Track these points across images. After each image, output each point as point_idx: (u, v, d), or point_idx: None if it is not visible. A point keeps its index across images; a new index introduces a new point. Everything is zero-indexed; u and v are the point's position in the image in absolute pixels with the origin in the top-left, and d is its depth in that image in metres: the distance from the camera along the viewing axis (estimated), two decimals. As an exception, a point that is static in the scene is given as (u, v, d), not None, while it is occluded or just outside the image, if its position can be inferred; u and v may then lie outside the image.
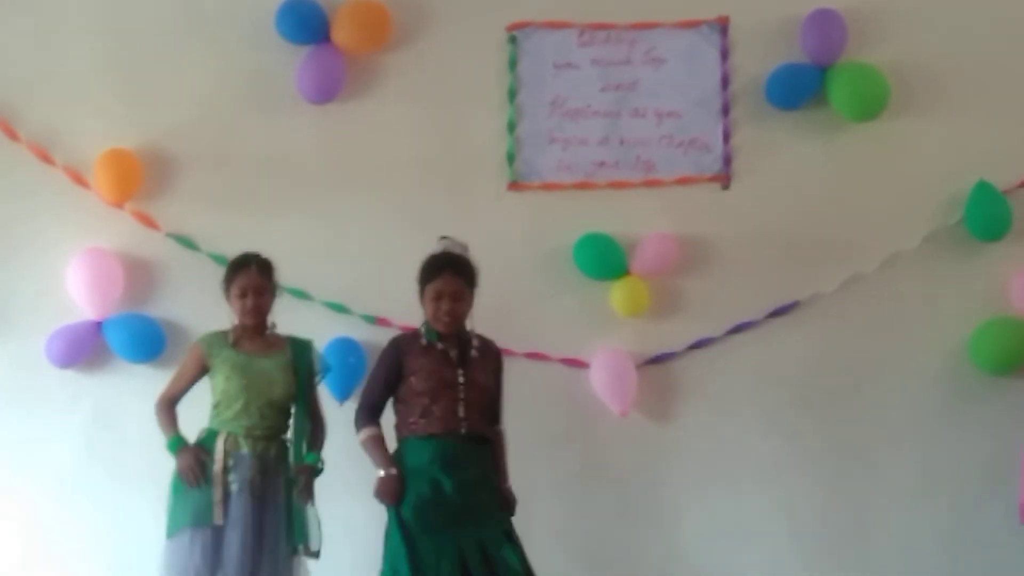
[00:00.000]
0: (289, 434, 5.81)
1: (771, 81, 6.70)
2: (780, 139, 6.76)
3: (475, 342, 5.67)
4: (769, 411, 6.70)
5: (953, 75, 6.77)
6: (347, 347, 6.62)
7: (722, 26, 6.79)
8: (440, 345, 5.60)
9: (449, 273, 5.59)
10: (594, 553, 6.67)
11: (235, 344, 5.79)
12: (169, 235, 6.71)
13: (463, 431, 5.54)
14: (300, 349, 5.88)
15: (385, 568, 5.52)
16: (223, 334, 5.83)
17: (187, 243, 6.67)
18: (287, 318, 6.41)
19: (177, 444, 5.65)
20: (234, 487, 5.60)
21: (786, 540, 6.68)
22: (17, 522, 6.68)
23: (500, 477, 5.71)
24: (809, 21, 6.69)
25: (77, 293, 6.63)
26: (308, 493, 5.73)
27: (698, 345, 6.72)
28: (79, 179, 6.71)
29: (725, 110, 6.78)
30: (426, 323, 5.66)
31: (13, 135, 6.73)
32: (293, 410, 5.81)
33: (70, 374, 6.65)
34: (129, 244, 6.71)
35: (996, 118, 6.75)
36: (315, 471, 5.78)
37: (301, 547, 5.70)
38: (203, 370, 5.79)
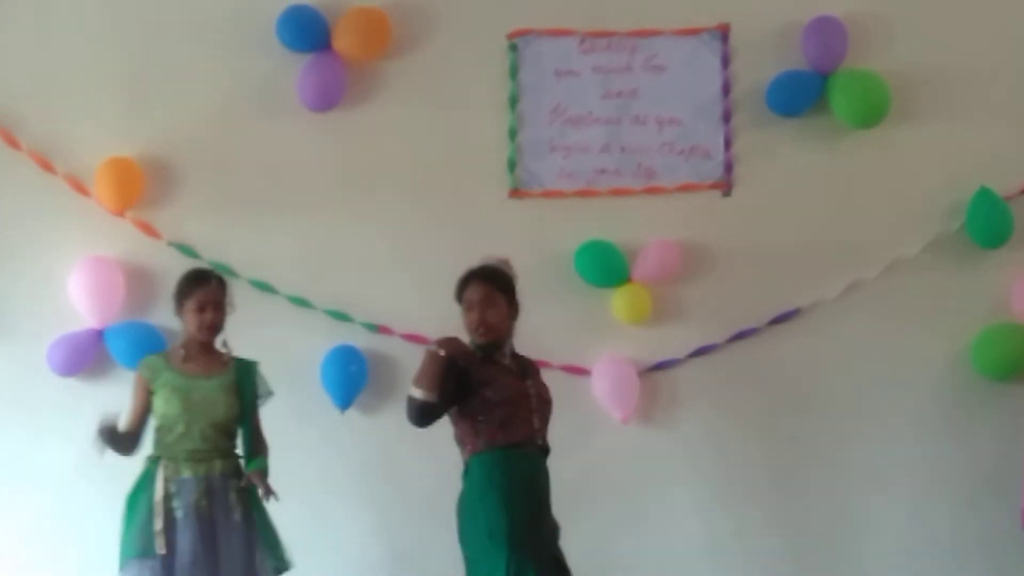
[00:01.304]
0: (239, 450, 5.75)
1: (772, 88, 6.70)
2: (781, 146, 6.76)
3: (521, 357, 5.60)
4: (771, 418, 6.70)
5: (954, 82, 6.77)
6: (348, 355, 6.61)
7: (723, 33, 6.79)
8: (498, 358, 5.46)
9: (477, 281, 5.47)
10: (595, 560, 6.64)
11: (179, 364, 5.70)
12: (170, 243, 6.71)
13: (540, 442, 5.45)
14: (245, 370, 5.77)
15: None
16: (163, 356, 5.77)
17: (188, 251, 6.67)
18: (288, 326, 6.43)
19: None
20: (179, 514, 5.53)
21: (788, 547, 6.69)
22: (17, 530, 6.67)
23: None
24: (810, 28, 6.69)
25: (78, 301, 6.62)
26: (269, 490, 5.62)
27: (700, 352, 6.72)
28: (80, 188, 6.70)
29: (726, 117, 6.78)
30: (471, 342, 5.49)
31: (14, 144, 6.72)
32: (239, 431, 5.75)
33: (72, 382, 6.64)
34: (130, 252, 6.70)
35: (997, 125, 6.75)
36: (265, 472, 5.67)
37: (272, 563, 5.64)
38: (149, 396, 5.69)
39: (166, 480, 5.56)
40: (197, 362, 5.71)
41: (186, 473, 5.57)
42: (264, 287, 6.63)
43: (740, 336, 6.71)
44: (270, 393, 5.83)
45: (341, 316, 6.68)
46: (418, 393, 5.24)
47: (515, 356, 5.58)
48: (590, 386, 6.66)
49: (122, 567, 5.56)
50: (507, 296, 5.50)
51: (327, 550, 6.49)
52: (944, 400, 6.70)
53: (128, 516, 5.60)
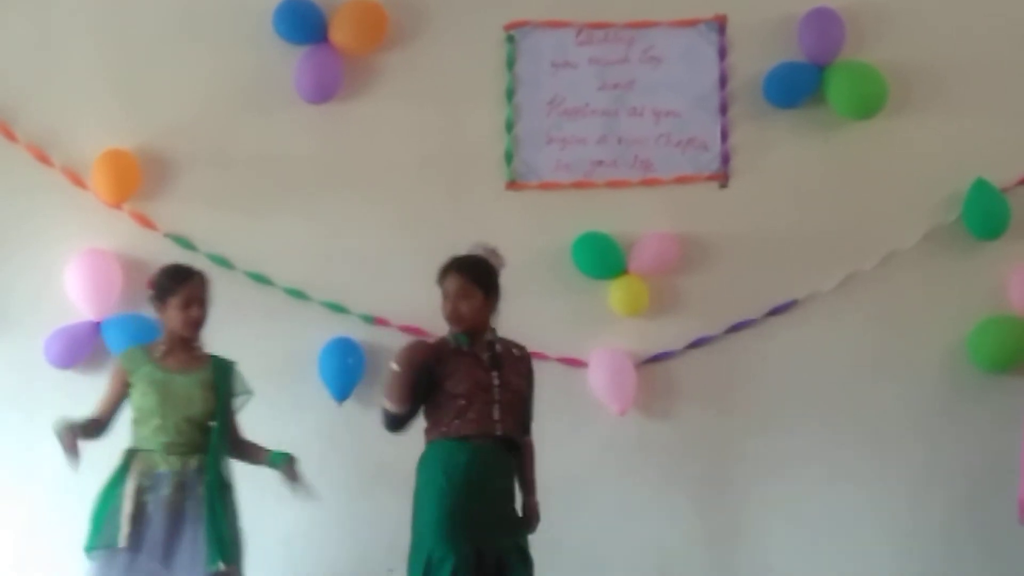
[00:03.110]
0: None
1: (769, 80, 6.70)
2: (778, 138, 6.76)
3: (499, 347, 5.59)
4: (768, 410, 6.70)
5: (951, 73, 6.77)
6: (345, 347, 6.62)
7: (720, 25, 6.79)
8: (467, 348, 5.52)
9: (453, 272, 5.54)
10: (593, 552, 6.67)
11: (160, 358, 5.70)
12: (167, 235, 6.71)
13: (498, 433, 5.47)
14: (222, 368, 5.76)
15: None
16: (144, 349, 5.75)
17: (185, 244, 6.67)
18: (285, 318, 6.42)
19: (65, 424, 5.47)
20: (150, 507, 5.53)
21: (785, 538, 6.69)
22: (15, 522, 6.69)
23: (527, 488, 5.67)
24: (807, 20, 6.69)
25: (76, 294, 6.63)
26: (301, 480, 5.69)
27: (697, 344, 6.72)
28: (77, 180, 6.71)
29: (723, 109, 6.78)
30: (450, 329, 5.59)
31: (11, 136, 6.72)
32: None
33: (69, 375, 6.65)
34: (127, 245, 6.71)
35: (994, 116, 6.75)
36: (291, 463, 5.69)
37: (214, 567, 5.54)
38: (126, 387, 5.69)
39: (140, 474, 5.57)
40: (177, 358, 5.70)
41: (161, 467, 5.57)
42: (261, 279, 6.63)
43: (737, 328, 6.72)
44: (249, 392, 5.80)
45: (338, 308, 6.69)
46: (387, 405, 5.45)
47: (495, 345, 5.60)
48: (587, 378, 6.66)
49: (89, 555, 5.58)
50: (484, 288, 5.54)
51: (323, 541, 6.50)
52: (941, 392, 6.69)
53: (100, 506, 5.60)
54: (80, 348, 6.64)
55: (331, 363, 6.57)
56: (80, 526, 6.54)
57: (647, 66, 6.80)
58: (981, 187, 6.62)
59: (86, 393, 6.58)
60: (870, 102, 6.65)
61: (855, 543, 6.66)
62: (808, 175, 6.74)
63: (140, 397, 5.63)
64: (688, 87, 6.80)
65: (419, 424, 5.52)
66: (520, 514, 5.61)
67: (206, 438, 5.66)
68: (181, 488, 5.57)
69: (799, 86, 6.70)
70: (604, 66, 6.80)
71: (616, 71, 6.80)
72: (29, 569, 6.67)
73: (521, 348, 5.71)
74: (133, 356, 5.73)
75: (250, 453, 5.79)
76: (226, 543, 5.55)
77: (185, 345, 5.72)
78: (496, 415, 5.47)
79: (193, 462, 5.61)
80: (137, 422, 5.65)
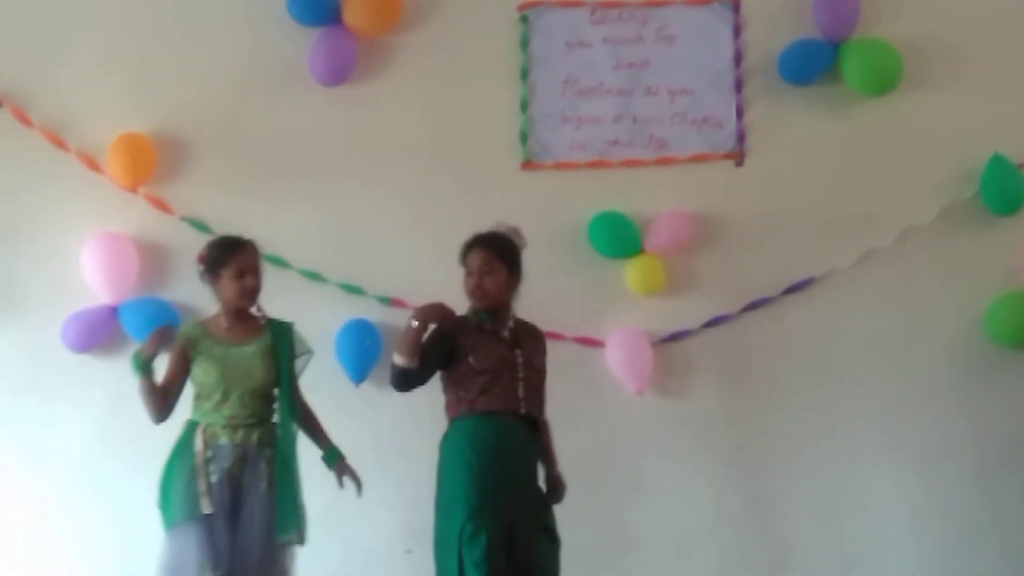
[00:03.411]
0: (276, 418, 5.71)
1: (784, 57, 6.69)
2: (793, 115, 6.75)
3: (511, 323, 5.58)
4: (785, 388, 6.71)
5: (966, 49, 6.75)
6: (362, 329, 6.62)
7: (734, 3, 6.77)
8: (489, 326, 5.52)
9: (478, 247, 5.52)
10: (609, 531, 6.68)
11: (217, 332, 5.67)
12: (183, 219, 6.72)
13: (522, 411, 5.48)
14: (280, 332, 5.73)
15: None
16: (202, 324, 5.72)
17: (201, 227, 6.67)
18: (301, 300, 6.42)
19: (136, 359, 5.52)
20: (213, 478, 5.52)
21: (800, 515, 6.70)
22: (33, 505, 6.71)
23: (551, 461, 5.67)
24: (821, -3, 6.68)
25: (92, 278, 6.64)
26: (354, 476, 5.77)
27: (713, 323, 6.72)
28: (93, 164, 6.71)
29: (738, 87, 6.76)
30: (471, 306, 5.58)
31: (26, 121, 6.73)
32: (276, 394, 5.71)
33: (86, 359, 6.67)
34: (143, 228, 6.72)
35: (1010, 91, 6.74)
36: (343, 459, 5.76)
37: (288, 537, 5.60)
38: (187, 364, 5.65)
39: (204, 445, 5.56)
40: (234, 330, 5.66)
41: (223, 439, 5.56)
42: (277, 261, 6.62)
43: (754, 306, 6.71)
44: (310, 352, 5.79)
45: (354, 290, 6.69)
46: (397, 359, 5.39)
47: (515, 323, 5.60)
48: (604, 357, 6.66)
49: (169, 531, 5.55)
50: (508, 265, 5.53)
51: (341, 523, 6.50)
52: (957, 368, 6.69)
53: (167, 480, 5.59)
54: (97, 332, 6.65)
55: (348, 345, 6.58)
56: (99, 505, 6.62)
57: (661, 45, 6.79)
58: (998, 163, 6.61)
59: (103, 377, 6.64)
60: (885, 78, 6.63)
61: (872, 519, 6.66)
62: (824, 152, 6.73)
63: (202, 373, 5.60)
64: (703, 65, 6.79)
65: (438, 405, 5.52)
66: (544, 490, 5.60)
67: (269, 408, 5.67)
68: (242, 460, 5.56)
69: (814, 63, 6.68)
70: (618, 45, 6.79)
71: (630, 50, 6.79)
72: (47, 551, 6.69)
73: (535, 328, 5.71)
74: (191, 333, 5.68)
75: (313, 429, 5.79)
76: (297, 513, 5.61)
77: (241, 316, 5.67)
78: (521, 393, 5.47)
79: (255, 435, 5.61)
80: (199, 397, 5.63)
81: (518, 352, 5.51)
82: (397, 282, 6.68)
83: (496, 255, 5.51)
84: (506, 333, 5.53)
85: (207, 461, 5.54)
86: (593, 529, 6.57)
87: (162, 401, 5.58)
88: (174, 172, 6.76)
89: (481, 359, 5.43)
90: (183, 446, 5.59)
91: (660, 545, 6.69)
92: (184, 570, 5.50)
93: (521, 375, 5.48)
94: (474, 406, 5.43)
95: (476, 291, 5.49)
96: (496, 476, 5.33)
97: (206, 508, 5.47)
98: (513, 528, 5.31)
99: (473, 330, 5.49)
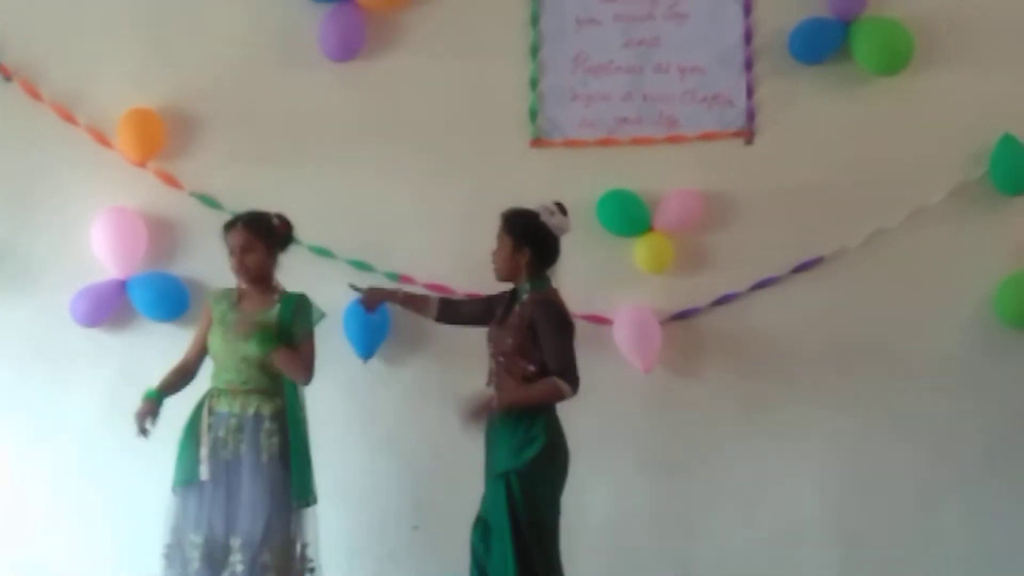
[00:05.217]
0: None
1: (794, 35, 6.66)
2: (803, 94, 6.71)
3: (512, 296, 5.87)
4: (794, 366, 6.69)
5: (977, 28, 6.70)
6: (371, 305, 6.62)
7: (745, -20, 6.76)
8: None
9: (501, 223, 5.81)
10: (616, 509, 6.69)
11: (236, 300, 5.94)
12: (192, 194, 6.73)
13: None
14: (287, 305, 5.94)
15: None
16: (229, 291, 5.98)
17: (210, 202, 6.69)
18: (310, 276, 6.43)
19: (145, 395, 5.81)
20: (216, 445, 5.75)
21: (810, 495, 6.69)
22: (43, 478, 6.76)
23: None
24: (832, -25, 6.65)
25: (101, 252, 6.66)
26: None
27: (722, 301, 6.71)
28: (102, 139, 6.72)
29: (748, 65, 6.74)
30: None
31: (36, 95, 6.74)
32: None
33: (95, 333, 6.70)
34: (152, 203, 6.74)
35: (1021, 72, 6.69)
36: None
37: (300, 500, 5.81)
38: (211, 323, 5.97)
39: (210, 412, 5.78)
40: (251, 300, 5.94)
41: (223, 407, 5.77)
42: (286, 237, 6.64)
43: (762, 285, 6.70)
44: (321, 315, 5.99)
45: (363, 266, 6.69)
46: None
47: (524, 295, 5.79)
48: (612, 335, 6.65)
49: (173, 491, 5.81)
50: (513, 237, 5.72)
51: (350, 498, 6.53)
52: (967, 348, 6.67)
53: (181, 443, 5.81)
54: (106, 306, 6.67)
55: (356, 321, 6.58)
56: (106, 479, 6.66)
57: (672, 22, 6.77)
58: (1008, 142, 6.58)
59: (112, 351, 6.66)
60: (896, 57, 6.61)
61: (879, 499, 6.66)
62: (834, 131, 6.70)
63: (211, 336, 5.89)
64: (713, 43, 6.76)
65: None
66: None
67: (272, 380, 5.82)
68: (238, 430, 5.74)
69: (825, 42, 6.65)
70: (629, 22, 6.77)
71: (641, 27, 6.77)
72: (57, 523, 6.73)
73: (529, 298, 5.82)
74: (218, 296, 6.00)
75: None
76: (309, 477, 5.83)
77: (259, 290, 5.93)
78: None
79: (253, 406, 5.75)
80: (212, 361, 5.91)
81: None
82: (406, 258, 6.69)
83: (504, 229, 5.77)
84: (499, 310, 5.88)
85: (209, 428, 5.73)
86: (599, 506, 6.58)
87: (181, 380, 5.97)
88: (183, 147, 6.78)
89: None
90: (197, 411, 5.83)
91: (667, 523, 6.69)
92: (179, 531, 5.75)
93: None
94: None
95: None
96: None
97: (203, 474, 5.69)
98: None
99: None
